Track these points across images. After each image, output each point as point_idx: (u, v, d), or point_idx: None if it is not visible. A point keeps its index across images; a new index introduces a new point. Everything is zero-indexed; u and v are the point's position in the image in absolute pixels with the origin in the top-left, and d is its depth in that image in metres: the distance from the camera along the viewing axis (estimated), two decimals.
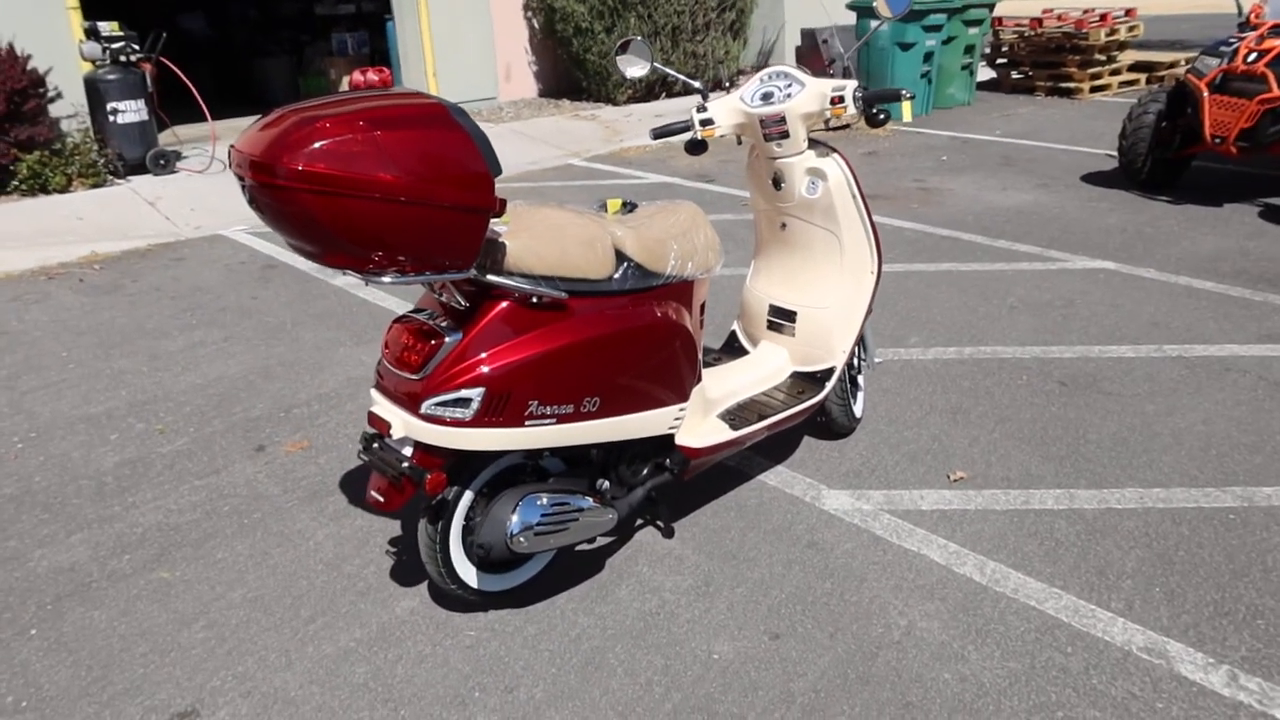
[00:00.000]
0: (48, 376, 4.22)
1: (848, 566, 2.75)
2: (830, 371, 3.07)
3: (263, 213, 1.88)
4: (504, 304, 2.20)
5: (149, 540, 2.98)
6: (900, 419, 3.60)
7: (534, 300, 2.21)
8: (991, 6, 10.20)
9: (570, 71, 10.84)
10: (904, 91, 2.73)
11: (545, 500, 2.31)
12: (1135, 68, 11.29)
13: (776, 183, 2.98)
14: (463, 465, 2.35)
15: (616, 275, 2.35)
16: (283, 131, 1.82)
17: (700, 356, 2.65)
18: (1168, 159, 6.57)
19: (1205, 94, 5.98)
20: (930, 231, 5.93)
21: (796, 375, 3.12)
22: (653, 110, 10.10)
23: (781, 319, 3.11)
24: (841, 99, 2.76)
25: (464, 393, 2.15)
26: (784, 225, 3.07)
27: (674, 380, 2.50)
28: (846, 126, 3.04)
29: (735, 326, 3.31)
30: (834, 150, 2.96)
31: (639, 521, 2.99)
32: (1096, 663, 2.36)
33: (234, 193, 7.22)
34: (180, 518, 3.10)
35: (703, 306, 2.70)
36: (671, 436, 2.62)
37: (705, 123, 2.95)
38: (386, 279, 1.98)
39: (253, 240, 6.30)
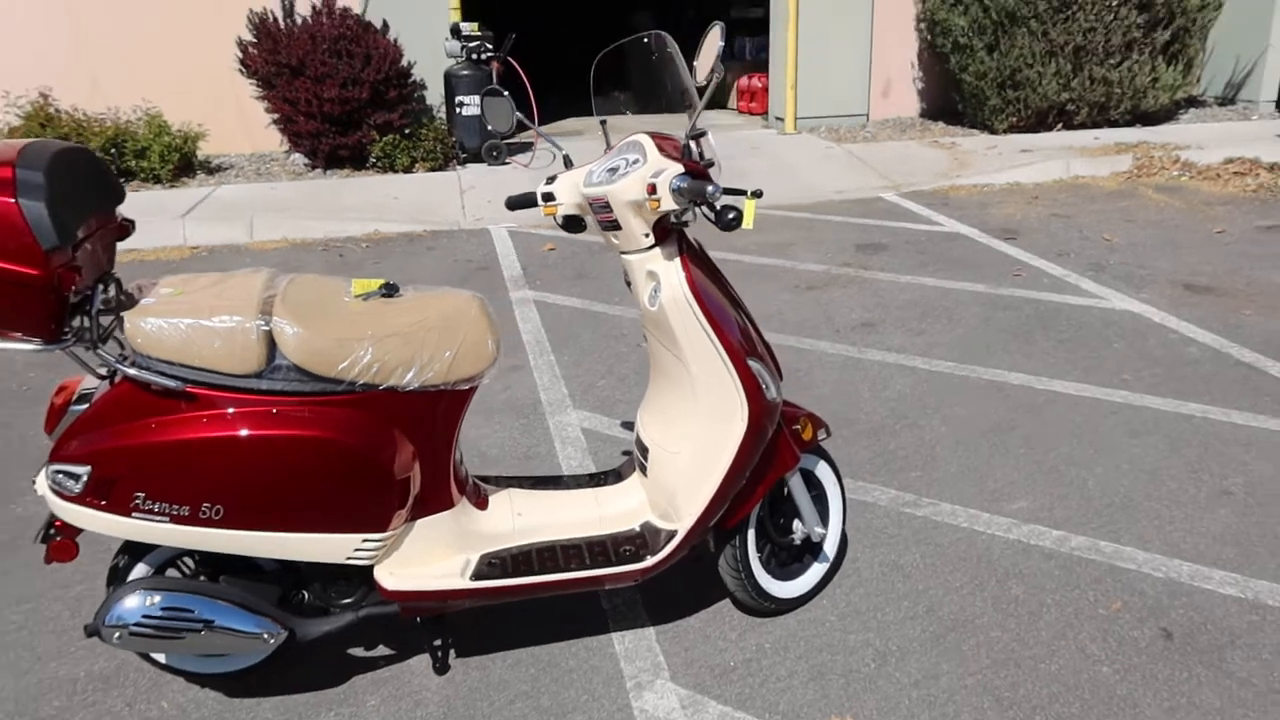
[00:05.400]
0: None
1: None
2: (673, 535, 2.33)
3: None
4: (123, 383, 2.00)
5: None
6: (863, 615, 2.65)
7: (152, 386, 1.97)
8: None
9: (948, 92, 9.71)
10: (710, 187, 1.91)
11: (157, 600, 2.07)
12: None
13: (629, 282, 2.32)
14: None
15: (265, 373, 2.00)
16: None
17: (416, 481, 2.15)
18: None
19: None
20: (1225, 351, 4.27)
21: (649, 526, 2.43)
22: (1026, 144, 8.63)
23: (643, 454, 2.43)
24: (655, 188, 2.03)
25: (74, 467, 2.00)
26: (645, 338, 2.38)
27: (351, 506, 2.08)
28: (685, 224, 2.19)
29: None
30: (684, 253, 2.20)
31: (437, 641, 2.58)
32: None
33: (523, 188, 7.66)
34: None
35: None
36: (367, 568, 2.19)
37: (547, 197, 2.37)
38: None
39: (504, 239, 6.61)
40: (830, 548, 2.71)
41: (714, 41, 2.18)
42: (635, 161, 2.17)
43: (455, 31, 8.13)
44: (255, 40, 7.91)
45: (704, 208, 2.11)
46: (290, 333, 2.00)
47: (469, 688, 2.42)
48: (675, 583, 2.77)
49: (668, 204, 2.04)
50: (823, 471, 2.65)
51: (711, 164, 2.22)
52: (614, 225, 2.21)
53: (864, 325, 4.79)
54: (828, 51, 9.67)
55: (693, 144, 2.20)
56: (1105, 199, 7.20)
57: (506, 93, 2.50)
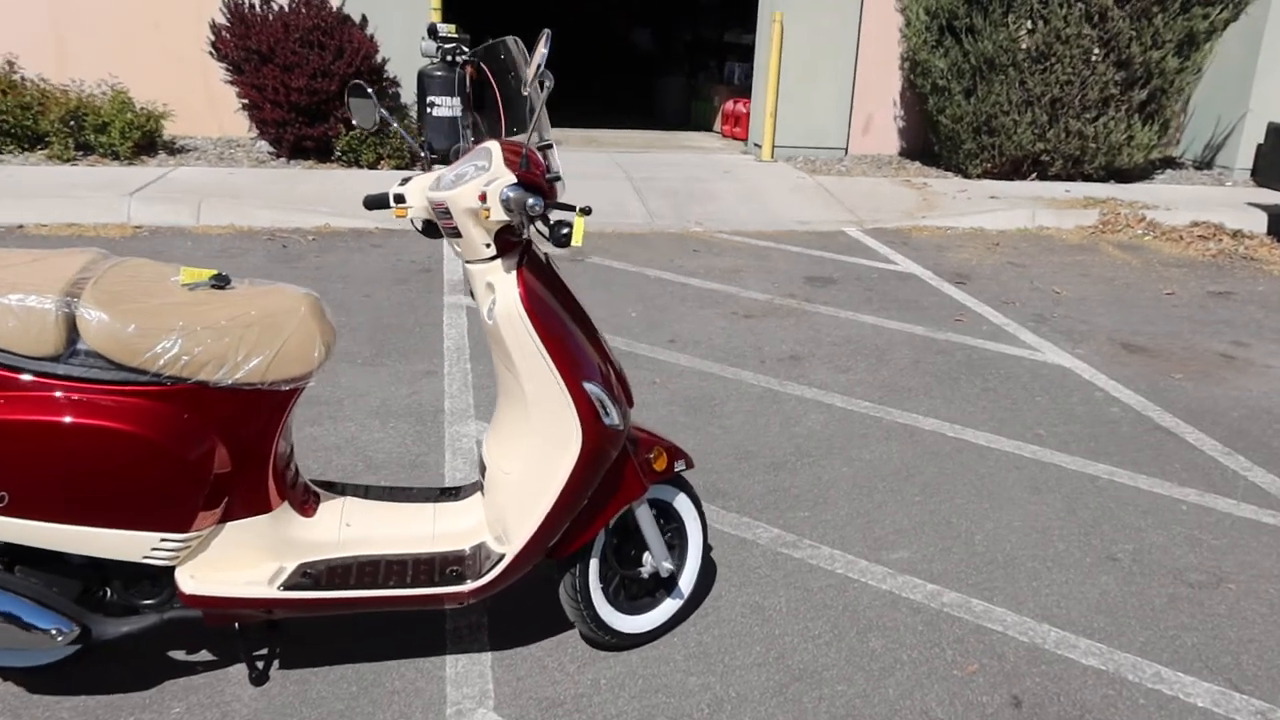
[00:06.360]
0: None
1: None
2: (501, 559, 2.24)
3: None
4: None
5: None
6: (711, 657, 2.55)
7: None
8: None
9: (927, 133, 9.68)
10: (531, 200, 1.83)
11: None
12: None
13: (471, 293, 2.24)
14: None
15: (64, 357, 1.91)
16: None
17: (227, 482, 2.05)
18: None
19: None
20: (1147, 414, 4.21)
21: (482, 549, 2.34)
22: (996, 190, 8.60)
23: (483, 474, 2.34)
24: (486, 196, 1.96)
25: None
26: (492, 351, 2.30)
27: (149, 503, 1.98)
28: (520, 238, 2.09)
29: None
30: (524, 267, 2.12)
31: (263, 650, 2.47)
32: None
33: None
34: None
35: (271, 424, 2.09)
36: (166, 569, 2.09)
37: (399, 199, 2.30)
38: None
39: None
40: (685, 584, 2.62)
41: (539, 50, 2.11)
42: (482, 168, 2.10)
43: (432, 31, 8.03)
44: (229, 24, 7.85)
45: (539, 221, 2.03)
46: (92, 317, 1.91)
47: (283, 702, 2.32)
48: (528, 608, 2.68)
49: (497, 214, 1.96)
50: (682, 504, 2.57)
51: (558, 178, 2.14)
52: (457, 233, 2.13)
53: (791, 358, 4.71)
54: (810, 82, 9.65)
55: (540, 155, 2.12)
56: (1065, 251, 7.16)
57: (371, 90, 2.43)
